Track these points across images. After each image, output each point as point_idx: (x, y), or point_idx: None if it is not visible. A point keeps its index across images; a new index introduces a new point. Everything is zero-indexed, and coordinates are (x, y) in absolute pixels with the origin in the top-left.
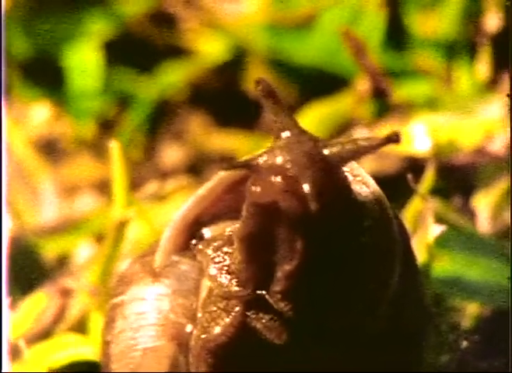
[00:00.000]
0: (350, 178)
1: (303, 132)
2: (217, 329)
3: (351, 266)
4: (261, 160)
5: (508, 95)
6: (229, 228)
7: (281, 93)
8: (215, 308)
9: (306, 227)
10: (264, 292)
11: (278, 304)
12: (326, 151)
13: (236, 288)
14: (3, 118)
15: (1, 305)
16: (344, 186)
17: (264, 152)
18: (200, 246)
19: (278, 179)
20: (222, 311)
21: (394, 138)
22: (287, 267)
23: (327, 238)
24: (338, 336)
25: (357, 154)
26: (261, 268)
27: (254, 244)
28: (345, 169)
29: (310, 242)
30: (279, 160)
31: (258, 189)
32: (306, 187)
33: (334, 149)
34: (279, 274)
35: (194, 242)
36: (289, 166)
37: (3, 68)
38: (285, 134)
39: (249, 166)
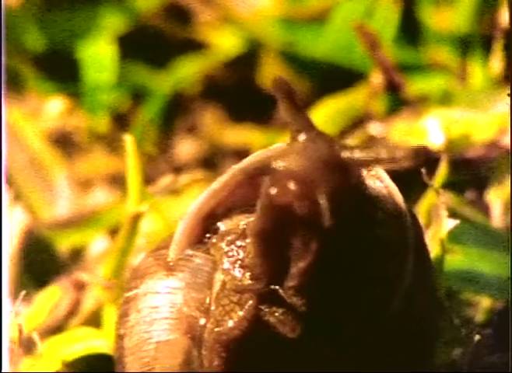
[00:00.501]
0: (364, 172)
1: (319, 134)
2: (230, 323)
3: (365, 261)
4: (277, 164)
5: (509, 95)
6: (243, 221)
7: (295, 88)
8: (228, 302)
9: (321, 230)
10: (277, 287)
11: (292, 299)
12: (343, 154)
13: (250, 282)
14: (5, 111)
15: (2, 307)
16: (359, 188)
17: (280, 155)
18: (214, 240)
19: (294, 185)
20: (236, 304)
21: (418, 154)
22: (301, 264)
23: (342, 236)
24: (351, 331)
25: (375, 163)
26: (274, 263)
27: (267, 240)
28: None
29: (325, 240)
30: (295, 165)
31: (274, 191)
32: (321, 198)
33: (352, 154)
34: (293, 270)
35: (208, 235)
36: (304, 173)
37: (3, 61)
38: (302, 137)
39: (266, 171)
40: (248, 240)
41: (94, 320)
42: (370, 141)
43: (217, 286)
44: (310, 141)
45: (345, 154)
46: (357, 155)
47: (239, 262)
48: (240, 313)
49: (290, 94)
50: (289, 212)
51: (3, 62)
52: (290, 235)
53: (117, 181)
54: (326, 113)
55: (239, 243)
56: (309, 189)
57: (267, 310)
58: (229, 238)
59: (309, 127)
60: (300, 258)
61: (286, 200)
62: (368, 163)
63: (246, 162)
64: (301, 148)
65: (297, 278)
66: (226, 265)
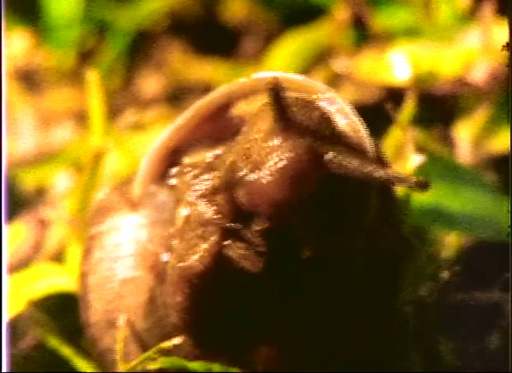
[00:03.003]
0: (329, 108)
1: (300, 138)
2: (194, 257)
3: (328, 197)
4: (252, 176)
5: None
6: (209, 155)
7: (260, 22)
8: (192, 236)
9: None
10: (241, 226)
11: (255, 239)
12: (326, 156)
13: (215, 216)
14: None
15: (1, 307)
16: (333, 189)
17: (255, 163)
18: (179, 173)
19: (267, 206)
20: (200, 238)
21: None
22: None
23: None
24: (314, 267)
25: (355, 173)
26: (242, 207)
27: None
28: (323, 96)
29: None
30: (270, 183)
31: (245, 200)
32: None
33: (336, 157)
34: (262, 218)
35: (173, 171)
36: (278, 194)
37: None
38: (281, 140)
39: (240, 183)
40: (214, 173)
41: (58, 257)
42: (335, 78)
43: (181, 221)
44: (288, 146)
45: (328, 155)
46: (339, 158)
47: (204, 195)
48: (204, 246)
49: (280, 97)
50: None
51: None
52: None
53: (82, 117)
54: (291, 47)
55: (204, 177)
56: (280, 211)
57: (230, 245)
58: (195, 171)
59: (291, 130)
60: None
61: (258, 210)
62: (345, 171)
63: (210, 97)
64: (277, 162)
65: (265, 224)
66: (191, 198)
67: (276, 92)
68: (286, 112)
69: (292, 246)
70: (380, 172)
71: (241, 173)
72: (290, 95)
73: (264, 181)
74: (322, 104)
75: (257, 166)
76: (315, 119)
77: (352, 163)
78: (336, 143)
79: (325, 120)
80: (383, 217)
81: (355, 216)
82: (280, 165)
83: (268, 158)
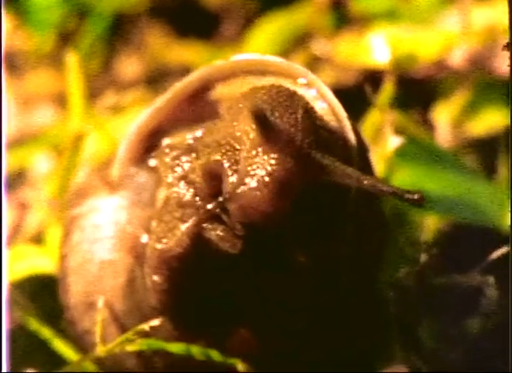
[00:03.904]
0: (308, 93)
1: (287, 148)
2: (172, 239)
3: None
4: (241, 189)
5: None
6: (189, 136)
7: (239, 4)
8: (170, 218)
9: None
10: (220, 211)
11: (235, 225)
12: (315, 164)
13: (194, 198)
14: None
15: (1, 308)
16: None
17: (245, 175)
18: (158, 154)
19: (258, 218)
20: (178, 221)
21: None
22: None
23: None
24: (292, 250)
25: (346, 181)
26: (221, 193)
27: (216, 178)
28: (301, 81)
29: None
30: (259, 197)
31: (236, 213)
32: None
33: (326, 165)
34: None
35: (153, 153)
36: (268, 207)
37: None
38: (266, 153)
39: (231, 196)
40: (194, 155)
41: (38, 239)
42: (315, 61)
43: (160, 203)
44: (276, 159)
45: (317, 164)
46: (328, 161)
47: (183, 177)
48: (183, 228)
49: (266, 123)
50: None
51: None
52: None
53: (62, 100)
54: (270, 30)
55: (184, 159)
56: (270, 220)
57: (209, 227)
58: (174, 153)
59: (278, 143)
60: None
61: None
62: (340, 180)
63: (189, 79)
64: (266, 172)
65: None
66: (171, 179)
67: (260, 118)
68: (271, 128)
69: (269, 232)
70: (370, 182)
71: (230, 183)
72: (271, 82)
73: (253, 194)
74: (302, 91)
75: (245, 178)
76: (299, 120)
77: (345, 172)
78: (321, 136)
79: (309, 115)
80: (361, 198)
81: (341, 221)
82: (269, 178)
83: (257, 172)
